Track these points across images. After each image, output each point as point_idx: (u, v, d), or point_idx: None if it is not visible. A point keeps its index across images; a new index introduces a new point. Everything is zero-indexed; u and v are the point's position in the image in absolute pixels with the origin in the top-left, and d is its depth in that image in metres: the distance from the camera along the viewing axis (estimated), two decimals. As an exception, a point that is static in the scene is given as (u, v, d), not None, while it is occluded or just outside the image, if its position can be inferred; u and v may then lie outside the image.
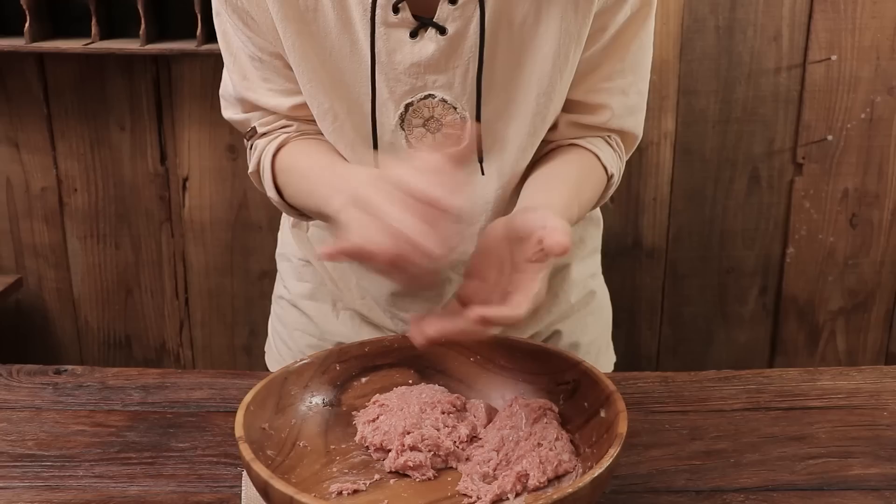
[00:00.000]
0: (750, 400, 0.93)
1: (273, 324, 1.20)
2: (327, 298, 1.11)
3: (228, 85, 1.01)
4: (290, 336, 1.15)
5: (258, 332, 2.02)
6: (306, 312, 1.13)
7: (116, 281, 2.01)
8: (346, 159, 0.97)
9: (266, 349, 1.22)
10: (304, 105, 0.96)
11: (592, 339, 1.15)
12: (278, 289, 1.18)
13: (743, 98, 1.84)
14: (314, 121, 0.97)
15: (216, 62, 1.84)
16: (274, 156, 0.98)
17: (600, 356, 1.17)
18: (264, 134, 1.00)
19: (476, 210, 0.98)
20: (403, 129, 0.93)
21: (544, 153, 0.99)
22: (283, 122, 0.99)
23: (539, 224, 0.76)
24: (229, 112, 1.03)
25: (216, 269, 2.00)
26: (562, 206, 0.88)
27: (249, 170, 1.01)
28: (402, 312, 1.06)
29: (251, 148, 1.02)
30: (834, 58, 1.82)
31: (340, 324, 1.10)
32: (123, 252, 1.99)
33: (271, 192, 0.99)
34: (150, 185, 1.94)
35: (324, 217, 0.92)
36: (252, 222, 1.95)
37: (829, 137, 1.87)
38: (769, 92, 1.84)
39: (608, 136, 0.99)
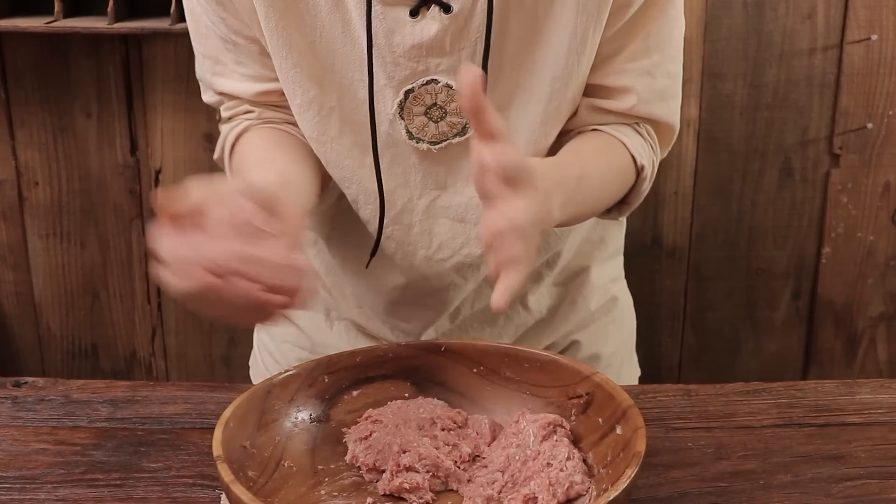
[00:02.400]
0: (781, 415, 0.93)
1: (258, 335, 1.20)
2: (320, 307, 1.11)
3: (198, 70, 1.02)
4: (277, 349, 1.15)
5: (238, 341, 2.02)
6: (296, 322, 1.13)
7: (82, 283, 2.01)
8: (324, 155, 0.97)
9: (251, 363, 1.22)
10: (272, 92, 0.97)
11: (614, 350, 1.15)
12: (264, 297, 1.18)
13: (774, 82, 1.84)
14: (280, 106, 0.98)
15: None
16: (234, 144, 0.99)
17: (623, 369, 1.17)
18: (228, 119, 1.01)
19: (480, 210, 0.97)
20: (403, 119, 0.93)
21: (558, 144, 0.98)
22: (246, 107, 1.00)
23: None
24: (207, 96, 1.05)
25: (192, 271, 2.00)
26: (553, 167, 0.86)
27: (215, 155, 1.03)
28: (403, 323, 1.06)
29: (220, 132, 1.03)
30: (874, 37, 1.82)
31: (335, 335, 1.10)
32: (90, 252, 1.99)
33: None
34: (119, 178, 1.94)
35: None
36: (231, 219, 1.95)
37: (869, 125, 1.87)
38: (803, 75, 1.84)
39: (636, 124, 0.99)
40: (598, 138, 0.96)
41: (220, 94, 1.01)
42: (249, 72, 0.97)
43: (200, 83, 1.04)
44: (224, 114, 1.01)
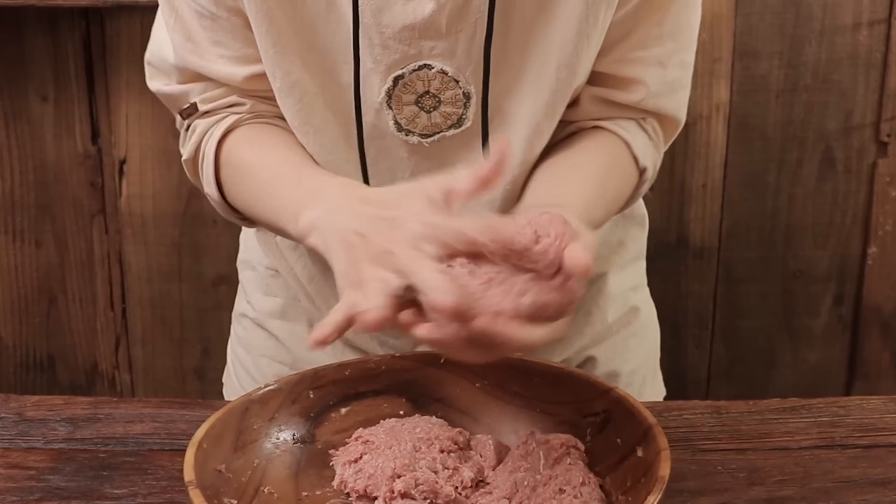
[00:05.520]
0: (822, 435, 0.93)
1: (233, 348, 1.20)
2: (301, 318, 1.11)
3: (162, 48, 1.00)
4: (254, 364, 1.15)
5: (212, 352, 2.02)
6: (275, 334, 1.13)
7: (37, 287, 2.01)
8: (306, 148, 0.97)
9: (224, 379, 1.22)
10: (263, 76, 0.95)
11: (635, 367, 1.15)
12: (240, 304, 1.18)
13: (814, 61, 1.84)
14: (272, 98, 0.97)
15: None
16: (219, 143, 0.97)
17: (645, 389, 1.17)
18: (207, 113, 0.99)
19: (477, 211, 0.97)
20: (391, 108, 0.93)
21: (563, 136, 0.99)
22: (233, 98, 0.98)
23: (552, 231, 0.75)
24: (158, 82, 1.02)
25: (160, 273, 2.00)
26: (583, 207, 0.88)
27: (184, 156, 1.01)
28: (393, 339, 1.06)
29: (188, 129, 1.01)
30: (926, 11, 1.82)
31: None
32: (46, 251, 1.99)
33: (210, 189, 0.98)
34: (79, 169, 1.94)
35: (280, 233, 0.93)
36: (205, 215, 1.95)
37: (921, 110, 1.87)
38: (846, 53, 1.84)
39: (642, 120, 0.99)
40: (607, 143, 0.97)
41: (194, 76, 0.99)
42: (229, 52, 0.96)
43: (149, 67, 1.02)
44: (203, 106, 0.99)
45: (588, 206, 0.89)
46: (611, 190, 0.96)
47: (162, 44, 1.00)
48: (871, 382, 2.03)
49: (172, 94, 1.01)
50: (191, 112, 1.00)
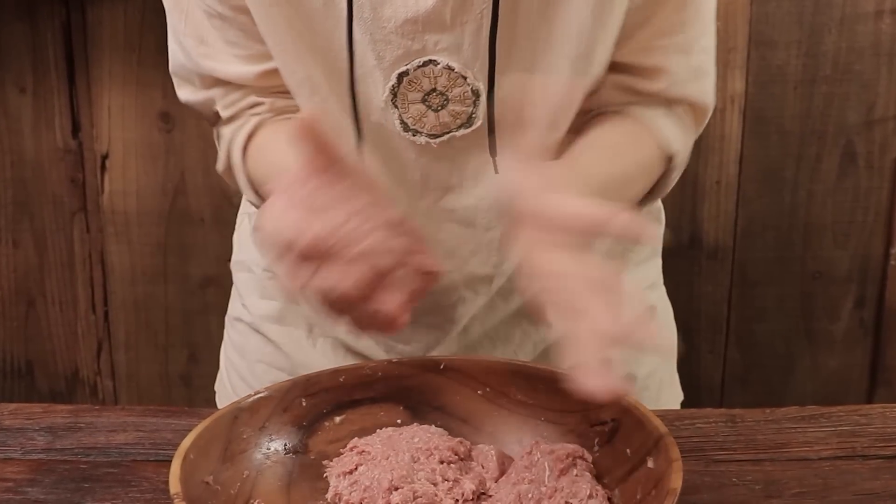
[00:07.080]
0: (843, 445, 0.93)
1: (227, 353, 1.20)
2: (301, 322, 1.11)
3: (180, 56, 1.01)
4: (250, 370, 1.15)
5: (199, 357, 2.02)
6: (273, 339, 1.13)
7: (14, 289, 2.01)
8: None
9: (217, 387, 1.22)
10: (275, 72, 0.96)
11: (651, 370, 1.15)
12: (234, 308, 1.18)
13: (833, 51, 1.84)
14: (289, 91, 0.97)
15: (144, 4, 1.84)
16: (245, 146, 0.98)
17: (662, 393, 1.17)
18: (230, 119, 1.00)
19: (492, 213, 0.97)
20: (396, 107, 0.93)
21: (582, 123, 0.99)
22: (252, 99, 0.99)
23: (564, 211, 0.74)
24: (186, 92, 1.03)
25: (144, 275, 2.00)
26: (577, 179, 0.86)
27: (219, 168, 1.03)
28: (401, 345, 1.06)
29: (218, 138, 1.02)
30: (953, -2, 1.82)
31: (318, 354, 1.10)
32: (23, 252, 1.99)
33: (250, 195, 0.99)
34: (59, 165, 1.94)
35: None
36: (191, 213, 1.95)
37: (947, 102, 1.87)
38: (868, 43, 1.84)
39: (668, 105, 1.00)
40: (625, 128, 0.98)
41: (213, 82, 0.99)
42: (242, 51, 0.97)
43: (175, 77, 1.03)
44: (224, 113, 1.00)
45: (581, 180, 0.87)
46: (621, 167, 0.95)
47: (179, 53, 1.01)
48: (894, 390, 2.03)
49: (202, 102, 1.02)
50: (215, 120, 1.01)
